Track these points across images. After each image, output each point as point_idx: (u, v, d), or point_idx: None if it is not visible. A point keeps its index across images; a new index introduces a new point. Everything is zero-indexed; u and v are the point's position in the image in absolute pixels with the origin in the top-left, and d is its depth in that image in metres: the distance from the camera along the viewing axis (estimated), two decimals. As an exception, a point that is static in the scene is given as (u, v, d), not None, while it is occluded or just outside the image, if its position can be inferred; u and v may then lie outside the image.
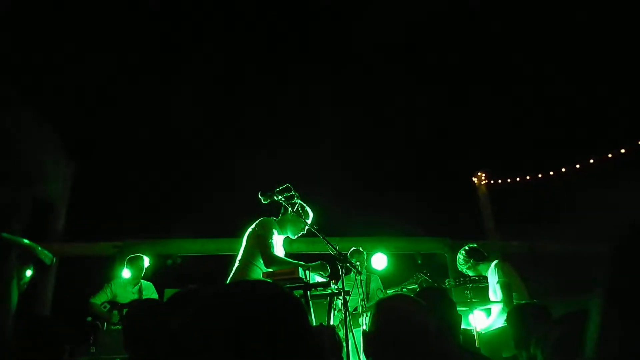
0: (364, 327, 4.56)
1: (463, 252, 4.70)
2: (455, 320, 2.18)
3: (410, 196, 7.97)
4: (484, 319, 4.45)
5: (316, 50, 8.27)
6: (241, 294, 0.91)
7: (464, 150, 8.51)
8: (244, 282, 1.05)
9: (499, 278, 4.33)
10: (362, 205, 7.64)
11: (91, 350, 4.35)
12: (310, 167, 7.28)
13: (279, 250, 4.10)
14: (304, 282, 3.53)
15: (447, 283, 4.26)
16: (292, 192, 4.07)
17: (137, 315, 2.23)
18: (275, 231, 4.01)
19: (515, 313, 2.83)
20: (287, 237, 4.24)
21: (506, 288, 4.25)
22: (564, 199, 6.99)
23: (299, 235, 4.20)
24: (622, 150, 7.11)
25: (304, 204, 4.14)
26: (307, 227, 4.08)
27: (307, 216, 4.12)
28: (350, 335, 3.80)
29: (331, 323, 3.95)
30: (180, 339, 0.87)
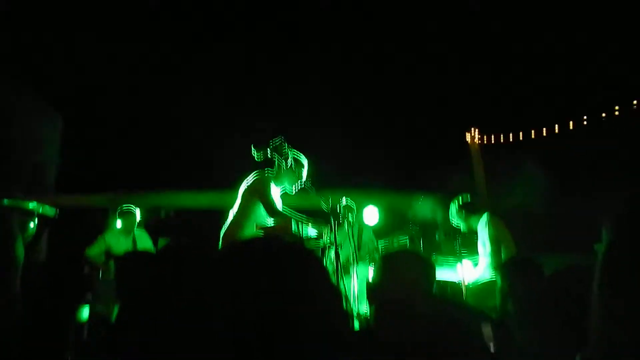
0: (355, 277, 4.68)
1: (456, 203, 4.74)
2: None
3: (402, 151, 7.99)
4: (472, 272, 4.56)
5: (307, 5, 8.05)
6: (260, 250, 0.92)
7: (458, 106, 8.46)
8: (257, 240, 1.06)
9: (489, 231, 4.39)
10: (354, 160, 7.65)
11: (88, 299, 4.45)
12: (302, 123, 7.22)
13: (277, 204, 4.12)
14: (297, 236, 3.58)
15: (438, 236, 4.34)
16: (286, 147, 4.04)
17: (129, 267, 2.26)
18: (272, 184, 4.01)
19: (504, 267, 2.90)
20: (284, 190, 4.24)
21: (495, 242, 4.32)
22: (556, 155, 7.04)
23: (295, 189, 4.21)
24: (616, 108, 7.13)
25: (299, 157, 4.12)
26: (301, 181, 4.08)
27: (302, 168, 4.10)
28: (341, 285, 3.92)
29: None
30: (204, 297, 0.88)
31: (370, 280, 1.84)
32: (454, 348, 1.77)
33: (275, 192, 4.08)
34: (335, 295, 1.13)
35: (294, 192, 4.19)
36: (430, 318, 1.69)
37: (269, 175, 4.08)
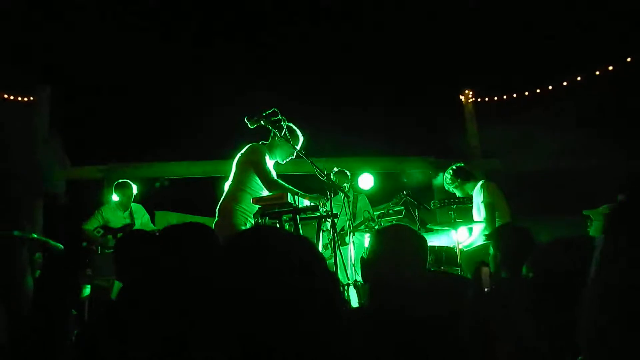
0: (352, 245, 4.75)
1: (450, 171, 4.77)
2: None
3: (395, 115, 7.94)
4: (466, 237, 4.64)
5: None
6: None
7: (451, 67, 8.35)
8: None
9: (483, 198, 4.45)
10: (346, 126, 7.61)
11: (88, 273, 4.49)
12: (295, 89, 7.13)
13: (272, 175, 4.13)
14: (293, 207, 3.60)
15: (432, 204, 4.38)
16: (279, 116, 4.01)
17: (128, 246, 2.28)
18: (267, 155, 4.00)
19: (495, 233, 2.92)
20: (276, 161, 4.25)
21: (490, 208, 4.38)
22: (549, 117, 7.01)
23: (288, 159, 4.21)
24: (610, 68, 7.06)
25: (293, 127, 4.10)
26: (295, 152, 4.07)
27: (297, 139, 4.09)
28: (337, 253, 3.98)
29: (320, 244, 4.10)
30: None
31: (364, 256, 1.85)
32: (446, 321, 1.82)
33: (270, 163, 4.08)
34: (334, 283, 1.15)
35: (285, 161, 4.19)
36: (424, 291, 1.73)
37: (263, 145, 4.07)
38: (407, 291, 1.69)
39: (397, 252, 1.76)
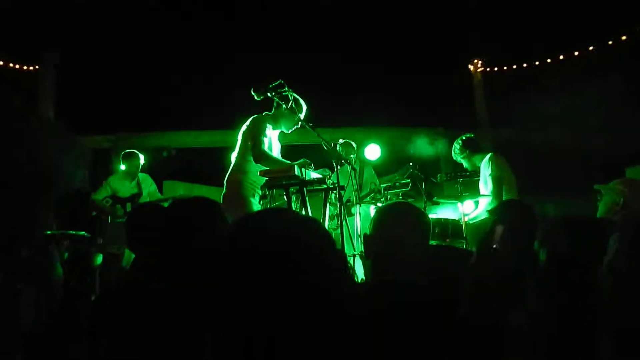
0: (358, 216, 4.79)
1: (460, 141, 4.74)
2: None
3: (402, 85, 7.85)
4: (472, 210, 4.65)
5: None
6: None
7: (460, 36, 8.18)
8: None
9: (491, 171, 4.43)
10: (352, 96, 7.54)
11: (99, 242, 4.58)
12: (303, 58, 7.04)
13: (274, 144, 4.14)
14: (300, 179, 3.62)
15: (439, 178, 4.38)
16: (285, 88, 4.00)
17: (140, 219, 2.32)
18: (269, 126, 4.01)
19: (499, 208, 2.89)
20: (282, 131, 4.26)
21: (497, 181, 4.37)
22: (559, 88, 6.89)
23: (293, 129, 4.22)
24: (623, 38, 6.89)
25: (298, 98, 4.10)
26: (300, 123, 4.08)
27: (301, 110, 4.10)
28: (344, 225, 4.03)
29: (327, 215, 4.14)
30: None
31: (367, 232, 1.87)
32: (448, 294, 1.85)
33: (272, 133, 4.09)
34: (343, 262, 1.17)
35: (290, 131, 4.20)
36: (425, 267, 1.75)
37: (266, 116, 4.07)
38: (408, 266, 1.71)
39: (398, 230, 1.78)
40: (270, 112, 4.14)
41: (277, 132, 4.22)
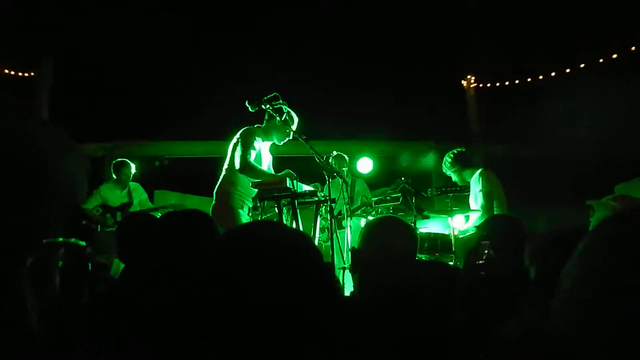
0: (349, 229, 4.80)
1: (451, 155, 4.77)
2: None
3: (395, 98, 7.90)
4: (462, 224, 4.68)
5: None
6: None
7: (454, 52, 8.28)
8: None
9: (482, 187, 4.46)
10: (346, 108, 7.58)
11: (88, 251, 4.54)
12: (296, 71, 7.09)
13: (265, 156, 4.16)
14: (292, 191, 3.64)
15: (430, 192, 4.41)
16: (280, 101, 4.03)
17: (129, 230, 2.32)
18: (258, 139, 4.03)
19: (488, 224, 2.91)
20: (273, 143, 4.28)
21: (487, 196, 4.40)
22: (552, 104, 6.97)
23: (285, 141, 4.25)
24: (614, 56, 7.01)
25: (291, 111, 4.14)
26: (292, 135, 4.11)
27: (292, 122, 4.13)
28: (335, 237, 4.04)
29: (317, 228, 4.14)
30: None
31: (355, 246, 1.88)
32: (437, 309, 1.86)
33: (263, 145, 4.11)
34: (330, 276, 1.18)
35: (283, 143, 4.23)
36: (413, 282, 1.76)
37: (257, 129, 4.10)
38: (395, 279, 1.72)
39: (386, 245, 1.79)
40: (262, 124, 4.18)
41: (268, 143, 4.24)
